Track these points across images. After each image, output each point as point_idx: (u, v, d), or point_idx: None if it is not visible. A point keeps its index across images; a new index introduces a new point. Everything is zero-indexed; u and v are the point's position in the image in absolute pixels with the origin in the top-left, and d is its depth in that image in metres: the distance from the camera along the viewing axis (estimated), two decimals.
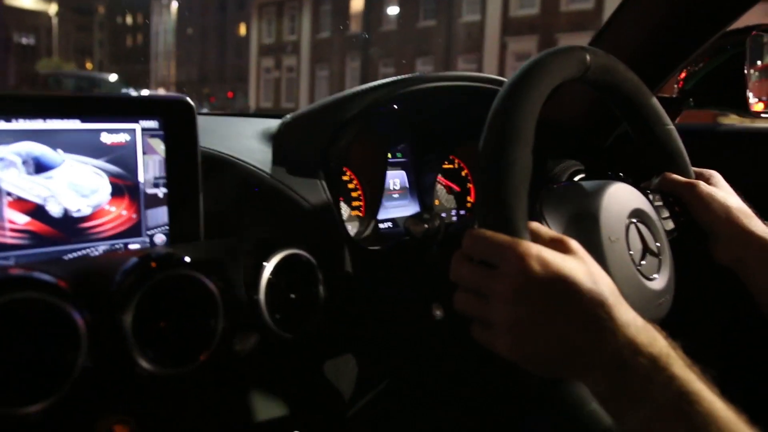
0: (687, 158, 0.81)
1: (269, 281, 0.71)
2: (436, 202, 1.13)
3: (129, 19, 61.83)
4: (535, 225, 0.59)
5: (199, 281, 0.65)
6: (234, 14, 52.15)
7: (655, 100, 0.80)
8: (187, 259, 0.66)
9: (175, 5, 56.27)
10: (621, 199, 0.73)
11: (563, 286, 0.52)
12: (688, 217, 0.78)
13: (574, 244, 0.57)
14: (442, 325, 0.76)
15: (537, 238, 0.57)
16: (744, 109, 1.05)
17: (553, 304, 0.52)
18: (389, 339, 0.88)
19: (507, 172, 0.58)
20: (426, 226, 0.78)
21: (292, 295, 0.74)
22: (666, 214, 0.78)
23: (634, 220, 0.72)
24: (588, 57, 0.70)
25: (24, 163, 0.68)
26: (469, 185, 1.14)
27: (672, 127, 0.81)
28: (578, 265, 0.54)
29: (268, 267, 0.71)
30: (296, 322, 0.73)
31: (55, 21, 46.68)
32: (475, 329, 0.57)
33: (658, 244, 0.72)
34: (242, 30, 50.64)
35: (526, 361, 0.54)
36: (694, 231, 0.77)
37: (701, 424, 0.47)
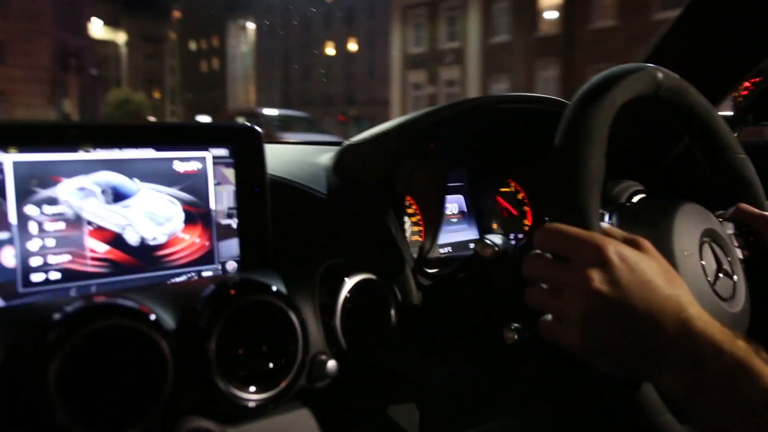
0: (761, 189, 0.79)
1: (344, 307, 0.70)
2: (494, 226, 1.12)
3: (203, 44, 61.48)
4: (607, 225, 0.58)
5: (278, 307, 0.65)
6: (320, 32, 51.06)
7: (727, 127, 0.78)
8: (264, 284, 0.66)
9: (252, 26, 55.66)
10: (694, 217, 0.71)
11: (641, 280, 0.51)
12: (762, 249, 0.76)
13: (648, 244, 0.56)
14: (514, 348, 0.74)
15: (611, 236, 0.56)
16: None
17: (629, 298, 0.50)
18: (458, 365, 0.86)
19: (582, 168, 0.58)
20: (496, 249, 0.77)
21: (367, 320, 0.72)
22: (738, 243, 0.76)
23: (707, 240, 0.70)
24: (660, 75, 0.69)
25: (103, 192, 0.68)
26: (526, 209, 1.13)
27: (745, 156, 0.79)
28: (655, 263, 0.53)
29: (343, 293, 0.71)
30: (370, 347, 0.72)
31: (124, 50, 46.53)
32: (544, 324, 0.56)
33: (732, 266, 0.70)
34: (328, 49, 50.15)
35: (597, 355, 0.52)
36: (765, 263, 0.75)
37: None
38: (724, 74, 1.02)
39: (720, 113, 1.04)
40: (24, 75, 28.03)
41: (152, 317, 0.58)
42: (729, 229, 0.76)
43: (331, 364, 0.68)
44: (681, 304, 0.51)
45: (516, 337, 0.76)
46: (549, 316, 0.56)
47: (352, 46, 45.72)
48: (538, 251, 0.56)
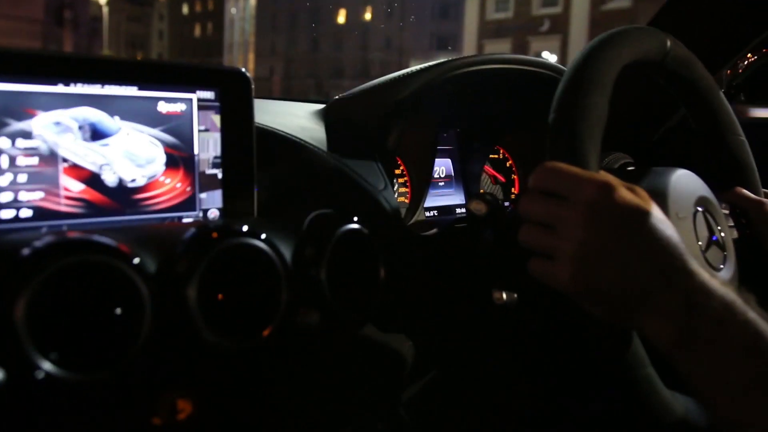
0: (757, 174, 0.79)
1: (330, 258, 0.67)
2: (481, 191, 1.10)
3: (197, 6, 57.21)
4: (605, 173, 0.56)
5: (262, 252, 0.61)
6: None
7: (729, 106, 0.77)
8: (248, 229, 0.62)
9: None
10: (690, 184, 0.71)
11: (637, 220, 0.51)
12: (752, 233, 0.75)
13: (646, 194, 0.55)
14: (502, 309, 0.73)
15: (613, 178, 0.55)
16: None
17: (625, 237, 0.50)
18: (445, 324, 0.85)
19: (584, 111, 0.57)
20: (490, 207, 0.75)
21: (353, 273, 0.70)
22: (731, 223, 0.75)
23: (701, 209, 0.69)
24: (669, 43, 0.67)
25: (80, 128, 0.65)
26: (514, 176, 1.11)
27: (744, 138, 0.78)
28: (651, 208, 0.53)
29: (330, 243, 0.68)
30: (357, 300, 0.70)
31: (105, 11, 43.05)
32: (535, 263, 0.55)
33: (724, 238, 0.70)
34: (340, 17, 47.57)
35: (587, 296, 0.52)
36: (755, 248, 0.75)
37: None
38: (721, 49, 1.01)
39: None
40: (11, 28, 23.21)
41: (129, 255, 0.55)
42: (724, 209, 0.75)
43: (316, 315, 0.65)
44: (676, 248, 0.51)
45: (505, 297, 0.76)
46: (540, 254, 0.54)
47: (368, 14, 43.92)
48: (536, 187, 0.55)
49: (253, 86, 0.73)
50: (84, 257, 0.52)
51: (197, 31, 56.87)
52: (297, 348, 0.66)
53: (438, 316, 0.83)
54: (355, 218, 0.71)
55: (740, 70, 1.05)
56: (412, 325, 0.81)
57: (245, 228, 0.62)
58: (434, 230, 0.88)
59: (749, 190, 0.77)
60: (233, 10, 53.15)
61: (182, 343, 0.57)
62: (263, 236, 0.62)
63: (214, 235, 0.60)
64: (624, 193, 0.52)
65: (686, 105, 0.77)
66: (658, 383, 0.59)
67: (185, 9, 56.86)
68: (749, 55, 1.04)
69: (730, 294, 0.49)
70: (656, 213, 0.53)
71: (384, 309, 0.72)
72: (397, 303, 0.77)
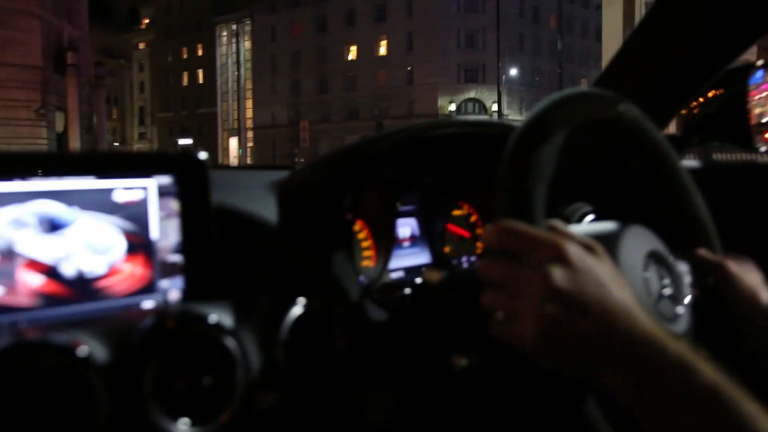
0: (715, 233, 0.80)
1: (288, 337, 0.68)
2: (446, 249, 1.11)
3: (184, 53, 52.81)
4: (562, 225, 0.59)
5: (218, 339, 0.63)
6: (340, 33, 43.67)
7: (684, 168, 0.79)
8: (204, 316, 0.64)
9: (246, 29, 47.36)
10: (640, 238, 0.72)
11: (596, 281, 0.53)
12: (713, 293, 0.76)
13: (601, 249, 0.57)
14: (464, 375, 0.73)
15: (567, 236, 0.57)
16: (748, 145, 1.04)
17: (585, 298, 0.52)
18: (406, 392, 0.85)
19: (531, 166, 0.59)
20: (442, 275, 0.76)
21: (312, 350, 0.71)
22: (693, 282, 0.76)
23: (652, 260, 0.70)
24: (622, 106, 0.70)
25: (38, 222, 0.66)
26: (478, 231, 1.12)
27: (699, 202, 0.79)
28: (608, 268, 0.56)
29: (287, 322, 0.69)
30: (316, 376, 0.70)
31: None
32: (497, 324, 0.56)
33: (677, 290, 0.71)
34: (351, 53, 43.28)
35: (547, 353, 0.53)
36: (715, 308, 0.76)
37: (735, 412, 0.47)
38: (671, 96, 1.04)
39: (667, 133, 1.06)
40: (5, 76, 18.12)
41: (81, 352, 0.56)
42: (683, 267, 0.76)
43: (273, 397, 0.66)
44: (629, 306, 0.53)
45: (465, 363, 0.76)
46: (502, 316, 0.55)
47: (383, 48, 41.46)
48: (493, 248, 0.56)
49: (209, 170, 0.74)
50: (36, 360, 0.53)
51: (185, 79, 53.52)
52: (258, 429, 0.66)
53: (398, 385, 0.83)
54: (313, 294, 0.72)
55: (694, 111, 1.08)
56: (374, 396, 0.81)
57: (200, 315, 0.63)
58: (393, 295, 0.89)
59: (706, 249, 0.78)
60: (224, 55, 50.63)
61: None
62: (219, 322, 0.63)
63: (169, 324, 0.61)
64: (581, 253, 0.54)
65: (642, 166, 0.79)
66: None
67: (170, 57, 53.43)
68: (700, 98, 1.07)
69: (681, 345, 0.51)
70: (611, 271, 0.55)
71: (344, 383, 0.72)
72: (360, 376, 0.77)
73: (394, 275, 1.04)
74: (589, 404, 0.58)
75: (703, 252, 0.76)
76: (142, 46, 56.12)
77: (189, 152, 0.73)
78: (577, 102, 0.66)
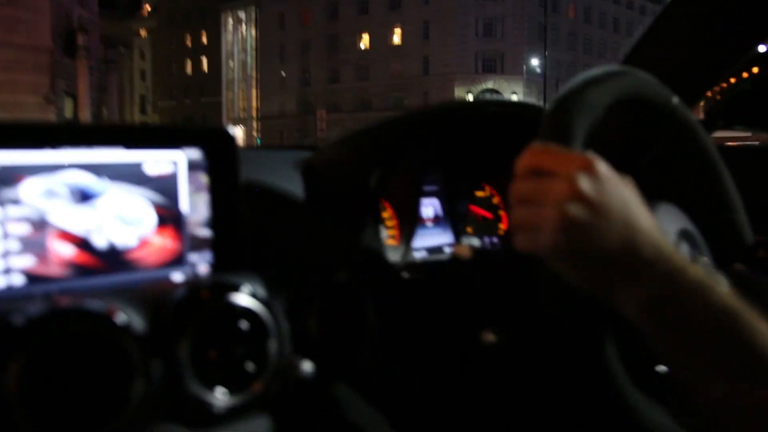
0: (744, 216, 0.81)
1: (320, 310, 0.70)
2: (469, 230, 1.13)
3: (188, 41, 51.76)
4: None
5: (252, 309, 0.64)
6: (352, 22, 42.75)
7: (714, 148, 0.80)
8: (237, 285, 0.65)
9: (254, 16, 46.12)
10: (671, 216, 0.73)
11: (623, 198, 0.55)
12: None
13: (630, 181, 0.59)
14: (491, 351, 0.75)
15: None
16: None
17: (611, 210, 0.53)
18: (435, 368, 0.87)
19: (579, 104, 0.63)
20: (474, 250, 0.78)
21: (343, 323, 0.73)
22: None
23: (683, 239, 0.72)
24: (675, 99, 0.72)
25: (70, 193, 0.67)
26: (501, 212, 1.14)
27: (731, 182, 0.81)
28: (634, 192, 0.57)
29: (317, 296, 0.71)
30: (347, 352, 0.72)
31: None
32: (520, 237, 0.57)
33: (707, 265, 0.72)
34: (363, 42, 42.20)
35: (571, 261, 0.54)
36: None
37: (749, 333, 0.49)
38: (698, 78, 1.04)
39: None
40: (13, 58, 16.95)
41: (119, 320, 0.57)
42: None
43: (306, 366, 0.67)
44: (653, 226, 0.55)
45: (494, 339, 0.77)
46: (528, 227, 0.57)
47: (396, 37, 40.14)
48: (525, 167, 0.58)
49: (237, 144, 0.76)
50: (74, 326, 0.55)
51: (188, 67, 52.74)
52: (290, 403, 0.68)
53: (428, 360, 0.85)
54: (343, 269, 0.73)
55: (717, 97, 1.08)
56: (402, 371, 0.83)
57: (233, 285, 0.65)
58: (422, 275, 0.91)
59: (736, 231, 0.79)
60: (230, 43, 49.23)
61: (176, 403, 0.59)
62: (251, 291, 0.65)
63: (204, 293, 0.63)
64: (605, 168, 0.56)
65: (672, 145, 0.80)
66: (643, 403, 0.61)
67: (173, 44, 52.34)
68: (724, 83, 1.07)
69: (700, 270, 0.53)
70: (638, 197, 0.57)
71: (374, 358, 0.74)
72: (387, 351, 0.79)
73: (417, 254, 1.06)
74: (607, 351, 0.60)
75: (740, 267, 0.76)
76: (143, 33, 54.52)
77: (218, 127, 0.75)
78: (633, 76, 0.68)
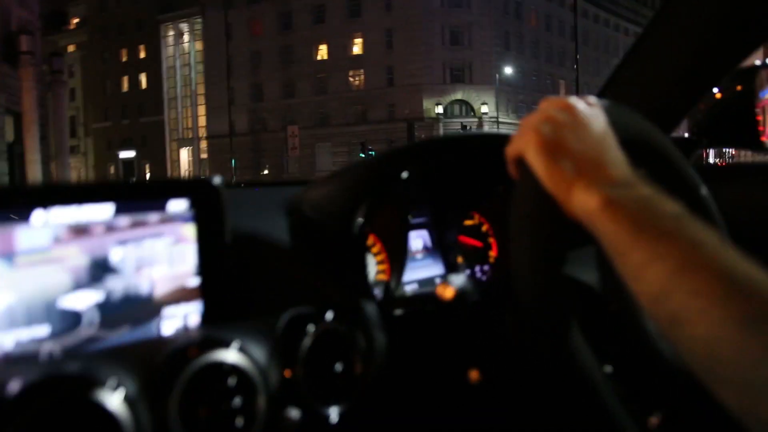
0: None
1: (306, 357, 0.74)
2: (459, 260, 1.15)
3: (123, 56, 48.95)
4: None
5: (238, 367, 0.68)
6: (307, 31, 41.37)
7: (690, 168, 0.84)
8: (224, 342, 0.69)
9: (198, 28, 44.04)
10: None
11: (599, 122, 0.66)
12: None
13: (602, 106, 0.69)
14: (477, 390, 0.79)
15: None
16: (756, 146, 1.11)
17: (578, 127, 0.64)
18: (423, 407, 0.91)
19: None
20: (455, 290, 0.83)
21: (334, 368, 0.76)
22: None
23: None
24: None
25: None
26: (491, 240, 1.18)
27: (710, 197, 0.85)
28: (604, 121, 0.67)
29: (305, 343, 0.74)
30: (336, 396, 0.76)
31: None
32: (511, 146, 0.68)
33: None
34: (320, 53, 40.70)
35: (545, 158, 0.63)
36: None
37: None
38: (677, 101, 1.10)
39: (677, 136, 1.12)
40: None
41: (103, 384, 0.60)
42: None
43: (295, 415, 0.71)
44: (621, 155, 0.64)
45: (480, 377, 0.80)
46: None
47: (357, 47, 38.92)
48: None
49: (223, 194, 0.78)
50: (58, 395, 0.57)
51: (125, 84, 50.07)
52: None
53: (415, 398, 0.89)
54: (328, 313, 0.78)
55: (703, 113, 1.14)
56: (390, 409, 0.86)
57: (221, 341, 0.68)
58: (412, 309, 0.96)
59: None
60: (171, 57, 46.91)
61: None
62: (239, 346, 0.69)
63: (191, 352, 0.66)
64: (581, 104, 0.67)
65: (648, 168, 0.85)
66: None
67: (106, 60, 49.54)
68: (708, 100, 1.14)
69: (650, 186, 0.59)
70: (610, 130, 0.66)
71: (364, 400, 0.78)
72: (378, 394, 0.82)
73: (408, 288, 1.08)
74: (573, 333, 0.63)
75: None
76: (71, 48, 50.71)
77: (204, 178, 0.77)
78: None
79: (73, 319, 0.67)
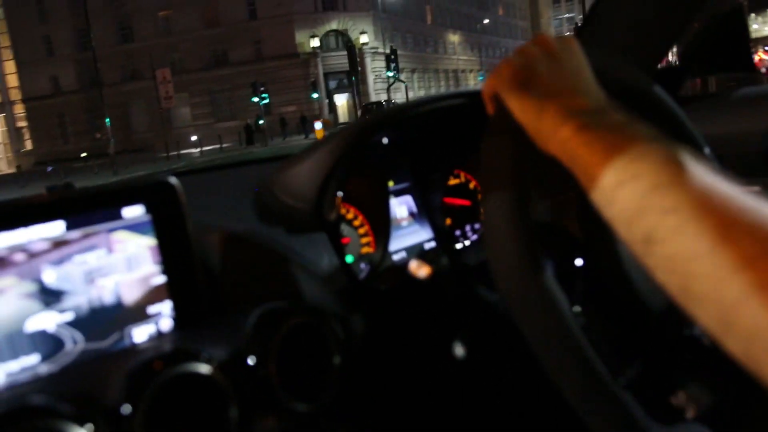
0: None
1: (279, 354, 0.73)
2: (448, 221, 1.13)
3: None
4: None
5: (207, 377, 0.67)
6: None
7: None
8: (192, 353, 0.68)
9: None
10: None
11: (577, 57, 0.67)
12: None
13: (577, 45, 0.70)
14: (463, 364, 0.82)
15: None
16: (750, 68, 1.13)
17: (560, 58, 0.66)
18: (408, 388, 0.93)
19: None
20: (431, 266, 0.87)
21: (310, 363, 0.76)
22: None
23: None
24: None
25: None
26: (480, 196, 1.16)
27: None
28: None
29: (277, 341, 0.73)
30: (311, 392, 0.75)
31: None
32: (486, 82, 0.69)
33: None
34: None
35: (519, 94, 0.64)
36: None
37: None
38: (659, 37, 1.11)
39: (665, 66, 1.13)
40: None
41: (68, 408, 0.60)
42: None
43: (272, 419, 0.72)
44: (596, 86, 0.65)
45: (464, 352, 0.84)
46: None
47: None
48: None
49: (182, 196, 0.78)
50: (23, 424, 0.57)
51: None
52: None
53: (401, 377, 0.91)
54: (301, 305, 0.79)
55: (691, 40, 1.15)
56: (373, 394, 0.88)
57: (190, 353, 0.68)
58: (399, 280, 0.98)
59: None
60: None
61: None
62: (208, 357, 0.68)
63: (157, 365, 0.66)
64: (557, 40, 0.68)
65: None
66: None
67: None
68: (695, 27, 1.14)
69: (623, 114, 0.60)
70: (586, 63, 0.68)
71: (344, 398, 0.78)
72: (356, 385, 0.82)
73: (397, 257, 1.07)
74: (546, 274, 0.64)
75: None
76: None
77: (160, 180, 0.78)
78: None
79: (53, 341, 0.69)
